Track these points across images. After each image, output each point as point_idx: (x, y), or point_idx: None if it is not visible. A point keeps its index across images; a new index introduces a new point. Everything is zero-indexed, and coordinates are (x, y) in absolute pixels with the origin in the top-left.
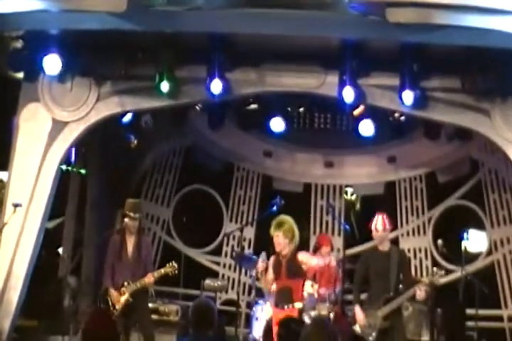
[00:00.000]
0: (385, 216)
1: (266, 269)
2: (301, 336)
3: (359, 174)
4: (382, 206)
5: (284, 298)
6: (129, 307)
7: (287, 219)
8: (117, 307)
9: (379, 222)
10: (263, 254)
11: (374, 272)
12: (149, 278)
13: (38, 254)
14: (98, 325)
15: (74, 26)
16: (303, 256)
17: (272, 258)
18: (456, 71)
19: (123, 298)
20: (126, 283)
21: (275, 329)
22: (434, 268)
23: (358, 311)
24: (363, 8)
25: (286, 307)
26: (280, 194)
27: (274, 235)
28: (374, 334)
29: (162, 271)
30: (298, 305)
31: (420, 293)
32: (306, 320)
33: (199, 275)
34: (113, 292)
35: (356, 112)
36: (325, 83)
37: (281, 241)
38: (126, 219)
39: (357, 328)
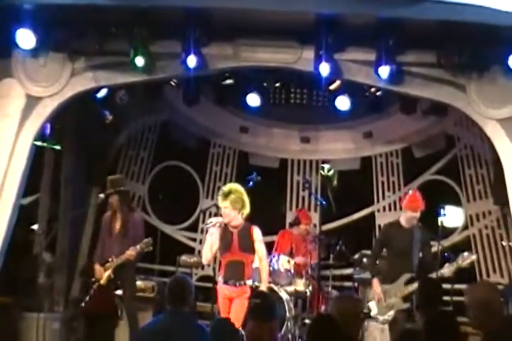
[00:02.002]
0: (420, 194)
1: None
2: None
3: (335, 149)
4: (359, 181)
5: (235, 273)
6: (115, 283)
7: (235, 187)
8: (101, 282)
9: (419, 201)
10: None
11: (394, 248)
12: (128, 254)
13: (13, 231)
14: (99, 303)
15: (48, 1)
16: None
17: (219, 228)
18: (433, 46)
19: (106, 274)
20: (110, 259)
21: (224, 306)
22: (465, 253)
23: (376, 285)
24: None
25: (237, 284)
26: (256, 170)
27: (222, 206)
28: (390, 313)
29: (138, 247)
30: (249, 282)
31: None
32: (283, 295)
33: (175, 251)
34: (98, 267)
35: (332, 87)
36: (301, 58)
37: (229, 212)
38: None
39: (372, 304)
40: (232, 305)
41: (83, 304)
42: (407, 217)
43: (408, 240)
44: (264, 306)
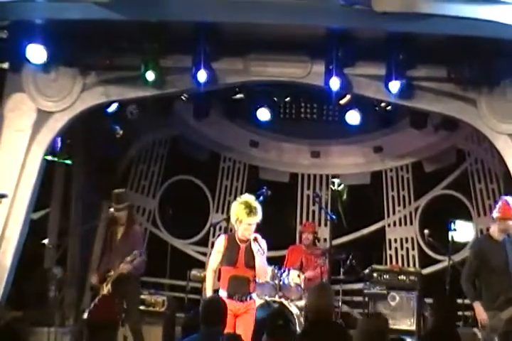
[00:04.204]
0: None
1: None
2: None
3: (345, 164)
4: (369, 196)
5: (240, 288)
6: (117, 296)
7: (255, 202)
8: (98, 297)
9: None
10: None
11: (489, 265)
12: (121, 268)
13: (24, 245)
14: (101, 312)
15: (59, 16)
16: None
17: (226, 239)
18: (443, 60)
19: (105, 289)
20: (109, 274)
21: (229, 321)
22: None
23: (479, 310)
24: None
25: (244, 299)
26: (266, 184)
27: (249, 222)
28: (496, 339)
29: (128, 259)
30: (254, 296)
31: None
32: (293, 310)
33: (185, 266)
34: (97, 283)
35: (342, 102)
36: (311, 72)
37: (253, 229)
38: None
39: (478, 331)
40: (240, 322)
41: (86, 315)
42: (503, 227)
43: (502, 253)
44: (285, 326)
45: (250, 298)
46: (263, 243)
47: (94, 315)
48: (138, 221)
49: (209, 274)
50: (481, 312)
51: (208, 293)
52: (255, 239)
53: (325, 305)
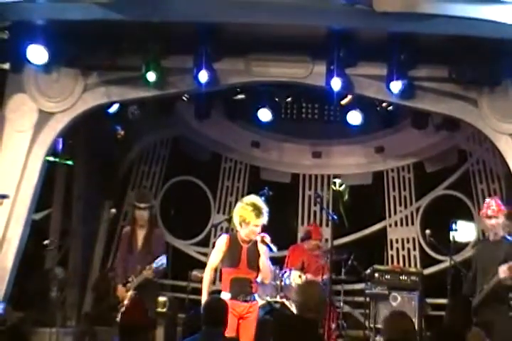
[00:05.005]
0: (497, 199)
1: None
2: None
3: (347, 164)
4: (370, 196)
5: (244, 289)
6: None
7: (261, 202)
8: (125, 302)
9: (491, 207)
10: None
11: (480, 266)
12: (146, 273)
13: (25, 246)
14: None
15: (60, 16)
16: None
17: (228, 239)
18: (444, 60)
19: (129, 294)
20: (131, 279)
21: (232, 322)
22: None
23: None
24: None
25: (248, 299)
26: (268, 184)
27: (256, 224)
28: None
29: (153, 264)
30: (257, 297)
31: (504, 277)
32: (295, 310)
33: (187, 266)
34: (120, 288)
35: (344, 102)
36: (312, 73)
37: (259, 230)
38: (135, 210)
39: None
40: (244, 325)
41: (119, 318)
42: (488, 227)
43: (492, 253)
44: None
45: (254, 299)
46: (269, 240)
47: (127, 318)
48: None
49: (208, 272)
50: None
51: (205, 290)
52: (262, 240)
53: (311, 303)
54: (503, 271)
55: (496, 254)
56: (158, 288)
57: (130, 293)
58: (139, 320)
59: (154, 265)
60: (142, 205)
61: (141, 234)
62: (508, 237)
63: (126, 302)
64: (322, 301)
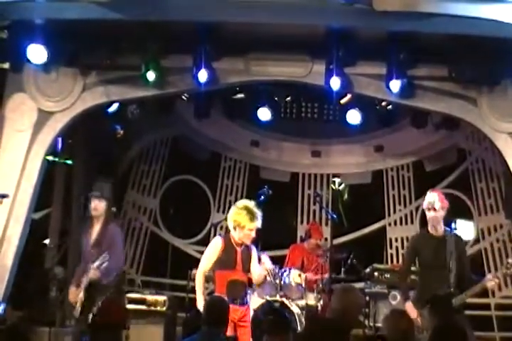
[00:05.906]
0: (440, 192)
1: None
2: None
3: (346, 163)
4: (370, 195)
5: (239, 292)
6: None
7: (254, 206)
8: (78, 304)
9: (436, 199)
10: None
11: (426, 261)
12: (91, 273)
13: (25, 245)
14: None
15: (59, 16)
16: (266, 259)
17: (223, 242)
18: (444, 59)
19: (80, 295)
20: (82, 279)
21: (230, 326)
22: (510, 260)
23: (410, 309)
24: None
25: (244, 302)
26: (267, 183)
27: (250, 228)
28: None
29: (96, 263)
30: (255, 297)
31: (492, 285)
32: (294, 309)
33: (186, 265)
34: (72, 289)
35: (343, 101)
36: (312, 72)
37: (254, 234)
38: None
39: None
40: (241, 332)
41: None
42: (430, 219)
43: (441, 249)
44: (278, 320)
45: (247, 302)
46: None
47: (100, 318)
48: (138, 220)
49: (200, 275)
50: (411, 312)
51: (200, 293)
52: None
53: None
54: (490, 279)
55: (443, 249)
56: (106, 292)
57: (81, 294)
58: (113, 319)
59: (95, 264)
60: (95, 193)
61: (95, 231)
62: (449, 229)
63: (78, 305)
64: (360, 308)
